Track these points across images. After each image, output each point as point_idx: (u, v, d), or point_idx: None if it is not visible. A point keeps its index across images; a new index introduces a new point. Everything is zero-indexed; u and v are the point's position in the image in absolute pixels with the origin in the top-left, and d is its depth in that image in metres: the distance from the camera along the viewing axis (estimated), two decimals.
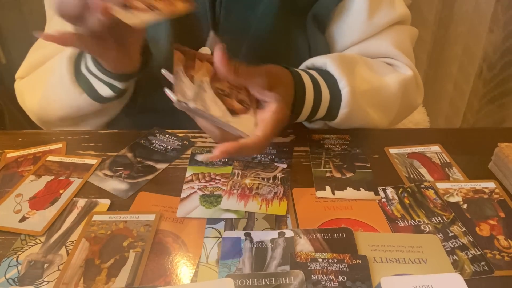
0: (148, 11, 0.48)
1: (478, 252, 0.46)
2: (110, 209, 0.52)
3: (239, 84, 0.52)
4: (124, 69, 0.58)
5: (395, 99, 0.68)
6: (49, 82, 0.66)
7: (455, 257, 0.46)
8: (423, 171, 0.59)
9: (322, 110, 0.62)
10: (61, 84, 0.64)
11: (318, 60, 0.65)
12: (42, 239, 0.48)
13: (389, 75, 0.68)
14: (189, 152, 0.62)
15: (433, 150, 0.63)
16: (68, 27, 0.61)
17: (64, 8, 0.46)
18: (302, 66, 0.67)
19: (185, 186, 0.55)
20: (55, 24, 0.71)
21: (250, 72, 0.50)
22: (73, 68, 0.63)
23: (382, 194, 0.55)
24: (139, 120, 0.73)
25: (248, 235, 0.48)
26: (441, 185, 0.56)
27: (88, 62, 0.60)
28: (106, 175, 0.58)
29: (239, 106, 0.51)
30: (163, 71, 0.49)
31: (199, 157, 0.50)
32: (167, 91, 0.46)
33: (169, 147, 0.64)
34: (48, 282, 0.43)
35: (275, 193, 0.54)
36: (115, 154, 0.62)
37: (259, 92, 0.52)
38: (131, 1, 0.47)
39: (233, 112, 0.50)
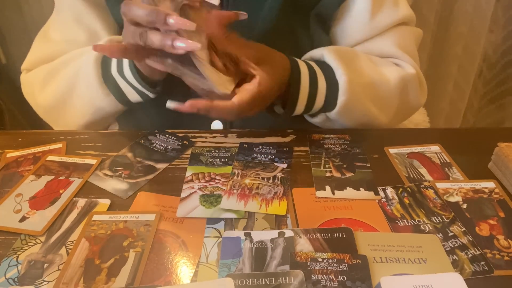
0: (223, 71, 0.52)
1: (478, 252, 0.46)
2: (110, 209, 0.52)
3: (230, 52, 0.54)
4: (156, 76, 0.59)
5: (395, 94, 0.68)
6: (69, 78, 0.66)
7: (455, 256, 0.46)
8: (423, 171, 0.59)
9: (320, 100, 0.62)
10: (86, 83, 0.64)
11: (315, 52, 0.65)
12: (42, 239, 0.48)
13: (390, 70, 0.68)
14: (189, 152, 0.63)
15: (433, 150, 0.64)
16: (83, 22, 0.64)
17: (131, 16, 0.47)
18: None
19: (185, 186, 0.56)
20: (67, 15, 0.70)
21: (241, 42, 0.53)
22: (101, 68, 0.63)
23: (382, 194, 0.55)
24: (144, 115, 0.73)
25: (248, 235, 0.48)
26: (441, 185, 0.56)
27: (125, 67, 0.60)
28: (106, 175, 0.58)
29: (220, 65, 0.52)
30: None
31: (169, 104, 0.52)
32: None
33: (169, 147, 0.64)
34: (48, 282, 0.43)
35: (275, 193, 0.54)
36: (115, 154, 0.62)
37: (246, 63, 0.54)
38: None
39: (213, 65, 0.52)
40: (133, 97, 0.63)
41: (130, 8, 0.47)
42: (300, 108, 0.62)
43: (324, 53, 0.64)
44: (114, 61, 0.62)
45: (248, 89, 0.53)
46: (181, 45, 0.46)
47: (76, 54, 0.67)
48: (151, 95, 0.63)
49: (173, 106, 0.51)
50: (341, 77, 0.61)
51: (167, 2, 0.48)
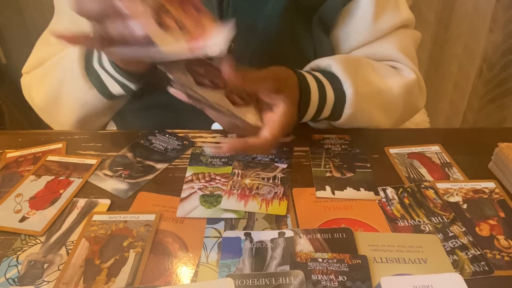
0: (179, 34, 0.47)
1: (478, 252, 0.46)
2: (110, 209, 0.52)
3: (248, 90, 0.54)
4: (133, 68, 0.58)
5: (398, 102, 0.69)
6: (58, 75, 0.66)
7: (455, 257, 0.46)
8: (423, 171, 0.59)
9: (327, 111, 0.62)
10: (71, 78, 0.63)
11: (322, 62, 0.65)
12: (42, 239, 0.48)
13: (393, 78, 0.68)
14: (189, 152, 0.62)
15: (433, 150, 0.64)
16: (80, 24, 0.61)
17: (82, 9, 0.44)
18: (307, 67, 0.67)
19: (185, 186, 0.55)
20: (65, 18, 0.70)
21: (257, 78, 0.52)
22: (84, 62, 0.63)
23: (382, 194, 0.55)
24: (143, 117, 0.73)
25: (248, 235, 0.48)
26: (441, 185, 0.56)
27: (103, 58, 0.59)
28: (106, 175, 0.58)
29: (240, 101, 0.53)
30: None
31: (206, 149, 0.50)
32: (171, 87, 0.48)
33: (169, 147, 0.64)
34: (48, 282, 0.43)
35: (275, 193, 0.54)
36: (115, 154, 0.62)
37: (267, 96, 0.54)
38: (164, 18, 0.46)
39: (234, 103, 0.52)
40: (115, 89, 0.62)
41: (79, 3, 0.44)
42: (306, 119, 0.62)
43: (331, 63, 0.63)
44: (95, 55, 0.61)
45: (276, 120, 0.52)
46: (137, 27, 0.42)
47: (66, 53, 0.67)
48: (132, 86, 0.61)
49: (210, 151, 0.51)
50: (348, 89, 0.61)
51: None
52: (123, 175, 0.58)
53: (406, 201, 0.54)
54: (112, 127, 0.80)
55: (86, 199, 0.54)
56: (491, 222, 0.50)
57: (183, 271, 0.44)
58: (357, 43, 0.71)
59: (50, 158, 0.61)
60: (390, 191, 0.55)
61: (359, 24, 0.69)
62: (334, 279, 0.42)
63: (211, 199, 0.53)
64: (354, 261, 0.44)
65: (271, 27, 0.67)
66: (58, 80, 0.66)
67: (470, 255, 0.46)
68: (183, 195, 0.54)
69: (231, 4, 0.66)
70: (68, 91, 0.66)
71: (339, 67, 0.62)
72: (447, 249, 0.47)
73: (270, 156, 0.61)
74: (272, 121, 0.53)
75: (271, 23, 0.67)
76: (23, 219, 0.51)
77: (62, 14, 0.71)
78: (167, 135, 0.67)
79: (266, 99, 0.54)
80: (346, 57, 0.66)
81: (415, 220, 0.51)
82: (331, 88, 0.62)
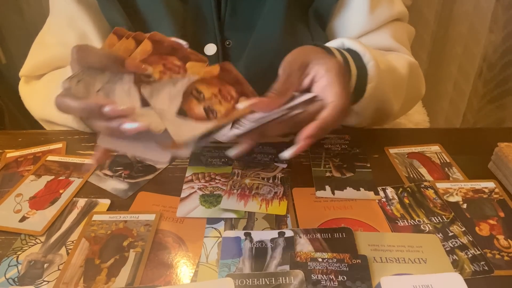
0: (204, 119, 0.46)
1: (478, 252, 0.46)
2: (110, 209, 0.52)
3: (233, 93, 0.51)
4: None
5: (404, 80, 0.67)
6: (55, 109, 0.66)
7: (454, 256, 0.46)
8: (423, 171, 0.59)
9: (350, 88, 0.57)
10: (73, 122, 0.66)
11: (333, 43, 0.63)
12: (42, 239, 0.48)
13: (398, 58, 0.68)
14: None
15: (433, 150, 0.64)
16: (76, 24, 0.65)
17: (86, 62, 0.44)
18: None
19: (185, 186, 0.56)
20: (61, 17, 0.70)
21: (281, 88, 0.47)
22: None
23: (382, 194, 0.55)
24: None
25: (248, 235, 0.48)
26: (440, 185, 0.56)
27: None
28: (106, 175, 0.58)
29: (199, 112, 0.47)
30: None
31: (285, 154, 0.44)
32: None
33: None
34: (48, 282, 0.43)
35: (275, 193, 0.54)
36: (115, 154, 0.62)
37: (304, 84, 0.49)
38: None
39: (185, 114, 0.46)
40: None
41: (63, 104, 0.44)
42: None
43: (343, 41, 0.61)
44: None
45: (332, 79, 0.46)
46: (131, 126, 0.42)
47: (60, 76, 0.67)
48: None
49: (288, 155, 0.45)
50: (369, 62, 0.58)
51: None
52: (123, 175, 0.58)
53: (406, 201, 0.54)
54: None
55: (86, 199, 0.54)
56: (491, 222, 0.50)
57: (183, 271, 0.44)
58: (353, 35, 0.71)
59: (50, 158, 0.61)
60: (390, 191, 0.55)
61: (355, 16, 0.69)
62: (334, 279, 0.42)
63: (211, 199, 0.53)
64: (354, 261, 0.44)
65: (269, 24, 0.67)
66: (55, 112, 0.66)
67: (470, 255, 0.46)
68: (183, 195, 0.54)
69: (229, 2, 0.66)
70: (66, 124, 0.68)
71: (354, 42, 0.60)
72: (447, 248, 0.47)
73: (270, 156, 0.61)
74: (326, 84, 0.46)
75: (270, 20, 0.67)
76: (23, 219, 0.51)
77: (58, 13, 0.71)
78: None
79: (309, 85, 0.49)
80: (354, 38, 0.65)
81: (415, 220, 0.51)
82: (353, 62, 0.58)
